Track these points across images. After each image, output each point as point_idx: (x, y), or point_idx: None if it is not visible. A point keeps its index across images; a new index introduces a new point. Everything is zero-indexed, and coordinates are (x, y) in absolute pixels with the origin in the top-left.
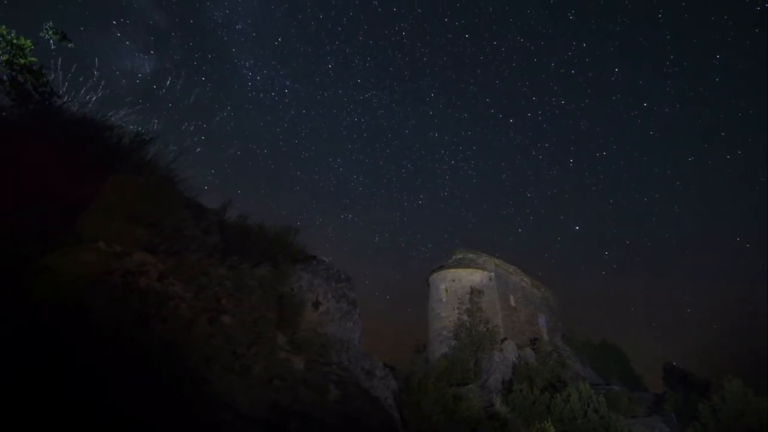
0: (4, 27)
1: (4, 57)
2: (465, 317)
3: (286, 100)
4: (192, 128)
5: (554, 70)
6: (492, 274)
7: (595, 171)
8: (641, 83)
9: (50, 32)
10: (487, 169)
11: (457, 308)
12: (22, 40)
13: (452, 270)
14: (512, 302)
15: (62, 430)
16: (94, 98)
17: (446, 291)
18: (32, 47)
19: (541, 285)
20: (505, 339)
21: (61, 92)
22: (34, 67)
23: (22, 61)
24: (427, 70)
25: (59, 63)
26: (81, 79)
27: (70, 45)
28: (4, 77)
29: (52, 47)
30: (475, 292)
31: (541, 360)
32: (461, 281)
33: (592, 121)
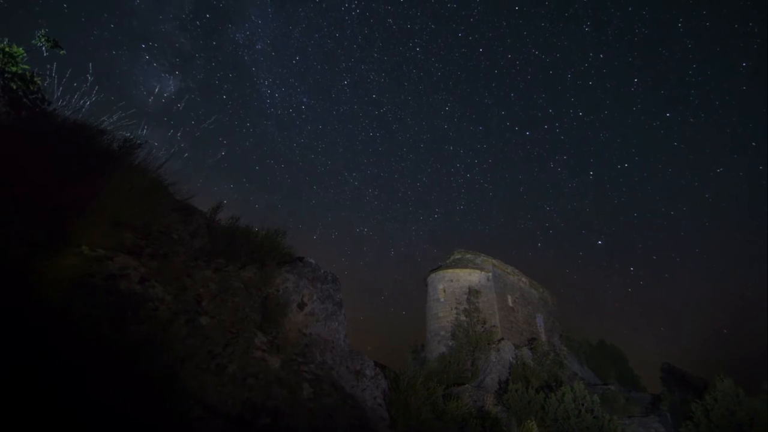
0: None
1: None
2: (462, 317)
3: (303, 116)
4: (179, 134)
5: (571, 81)
6: (490, 274)
7: (618, 183)
8: (663, 93)
9: (42, 39)
10: (503, 183)
11: (455, 308)
12: (15, 48)
13: (450, 270)
14: (510, 302)
15: (46, 421)
16: (88, 103)
17: (444, 291)
18: (24, 55)
19: (540, 285)
20: (502, 339)
21: (56, 97)
22: (26, 74)
23: (14, 69)
24: (442, 84)
25: (54, 68)
26: (75, 84)
27: (62, 52)
28: None
29: (45, 54)
30: (472, 292)
31: (538, 360)
32: (459, 281)
33: (612, 132)
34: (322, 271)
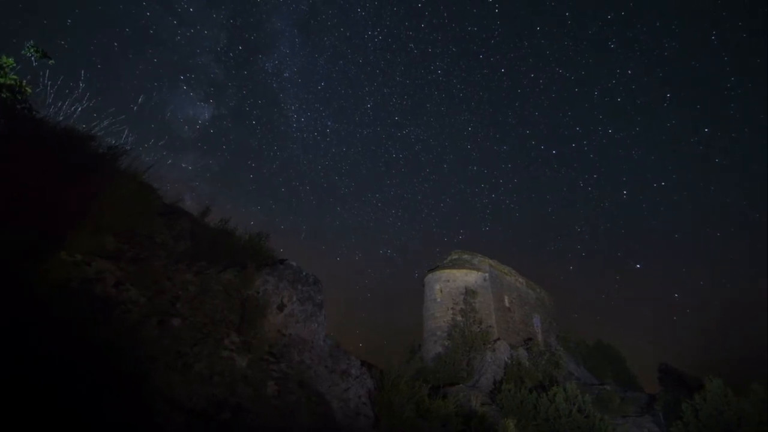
0: None
1: None
2: (459, 317)
3: (328, 139)
4: (161, 142)
5: (598, 99)
6: (486, 274)
7: (654, 203)
8: (699, 107)
9: (32, 50)
10: (530, 203)
11: (452, 308)
12: (4, 59)
13: (447, 270)
14: (506, 303)
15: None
16: (79, 109)
17: (440, 291)
18: (14, 65)
19: (537, 286)
20: (498, 339)
21: (48, 102)
22: (15, 85)
23: (1, 80)
24: (464, 105)
25: (47, 75)
26: (66, 92)
27: (51, 62)
28: None
29: (34, 64)
30: (469, 292)
31: (533, 360)
32: (456, 282)
33: (645, 149)
34: (304, 273)
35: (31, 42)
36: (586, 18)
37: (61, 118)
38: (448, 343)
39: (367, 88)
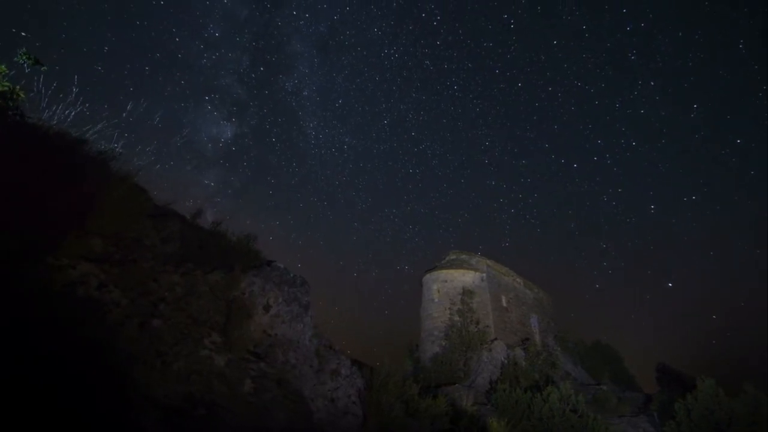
0: None
1: None
2: (456, 317)
3: (345, 155)
4: (148, 148)
5: (620, 111)
6: (484, 274)
7: (685, 218)
8: (729, 118)
9: (24, 57)
10: (552, 219)
11: (449, 308)
12: None
13: (444, 271)
14: (504, 303)
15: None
16: (72, 113)
17: (438, 291)
18: (6, 71)
19: (535, 286)
20: (495, 339)
21: (41, 107)
22: (8, 91)
23: None
24: (481, 120)
25: (41, 80)
26: (61, 95)
27: (43, 68)
28: None
29: (27, 71)
30: (466, 292)
31: (530, 360)
32: (453, 282)
33: (672, 163)
34: (291, 275)
35: (24, 49)
36: (604, 30)
37: (54, 122)
38: (445, 343)
39: (383, 105)
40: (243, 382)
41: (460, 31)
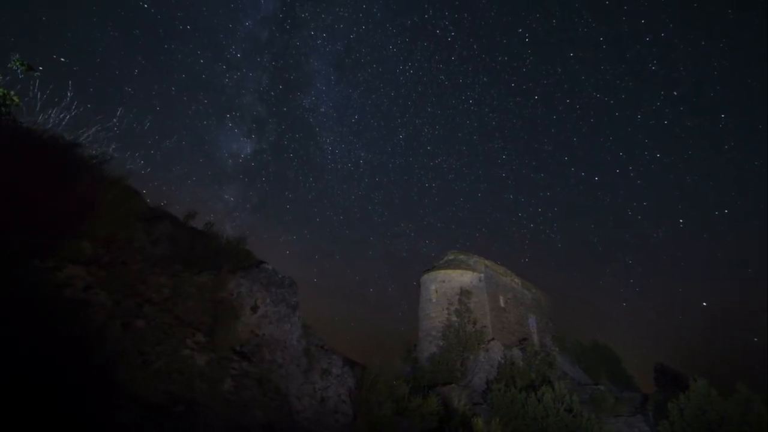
0: None
1: None
2: (454, 318)
3: (361, 170)
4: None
5: (641, 122)
6: (482, 275)
7: (720, 234)
8: (761, 128)
9: (17, 63)
10: (573, 233)
11: (447, 309)
12: None
13: (442, 271)
14: (502, 303)
15: None
16: (67, 117)
17: (436, 292)
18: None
19: (533, 286)
20: (492, 339)
21: (37, 109)
22: (2, 96)
23: None
24: (497, 133)
25: (37, 85)
26: (56, 99)
27: (36, 74)
28: None
29: (20, 76)
30: (464, 292)
31: (527, 360)
32: (451, 282)
33: (701, 175)
34: (280, 276)
35: (17, 56)
36: (622, 42)
37: (49, 125)
38: (443, 343)
39: (399, 120)
40: (223, 381)
41: (475, 47)
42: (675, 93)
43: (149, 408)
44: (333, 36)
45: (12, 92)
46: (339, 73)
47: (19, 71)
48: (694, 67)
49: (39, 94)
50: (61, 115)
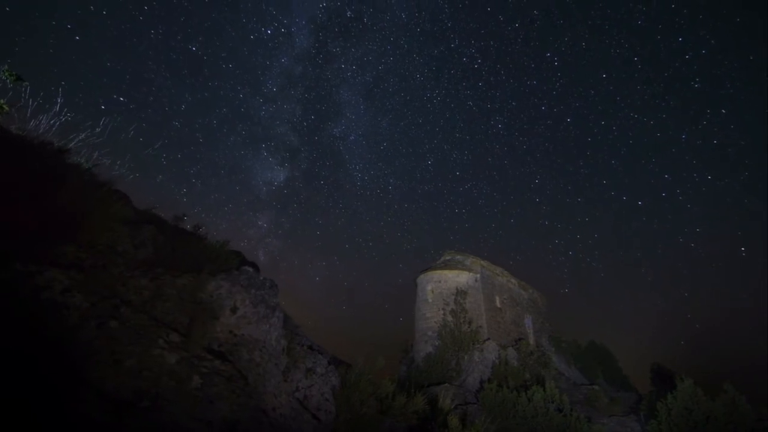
0: None
1: None
2: (449, 318)
3: (390, 196)
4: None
5: (687, 142)
6: (478, 275)
7: None
8: None
9: (6, 74)
10: (617, 262)
11: (442, 309)
12: None
13: (438, 271)
14: (498, 303)
15: None
16: (57, 123)
17: (432, 292)
18: None
19: (529, 286)
20: (487, 339)
21: (27, 115)
22: None
23: None
24: (528, 157)
25: (28, 90)
26: (47, 106)
27: (25, 83)
28: None
29: (9, 86)
30: (459, 292)
31: (522, 360)
32: (447, 282)
33: (761, 198)
34: (261, 278)
35: (5, 67)
36: (660, 60)
37: (40, 131)
38: (438, 343)
39: (427, 146)
40: (191, 378)
41: (502, 72)
42: (723, 111)
43: (117, 404)
44: (362, 68)
45: (3, 100)
46: (368, 102)
47: (8, 81)
48: (742, 83)
49: (31, 101)
50: (51, 121)
